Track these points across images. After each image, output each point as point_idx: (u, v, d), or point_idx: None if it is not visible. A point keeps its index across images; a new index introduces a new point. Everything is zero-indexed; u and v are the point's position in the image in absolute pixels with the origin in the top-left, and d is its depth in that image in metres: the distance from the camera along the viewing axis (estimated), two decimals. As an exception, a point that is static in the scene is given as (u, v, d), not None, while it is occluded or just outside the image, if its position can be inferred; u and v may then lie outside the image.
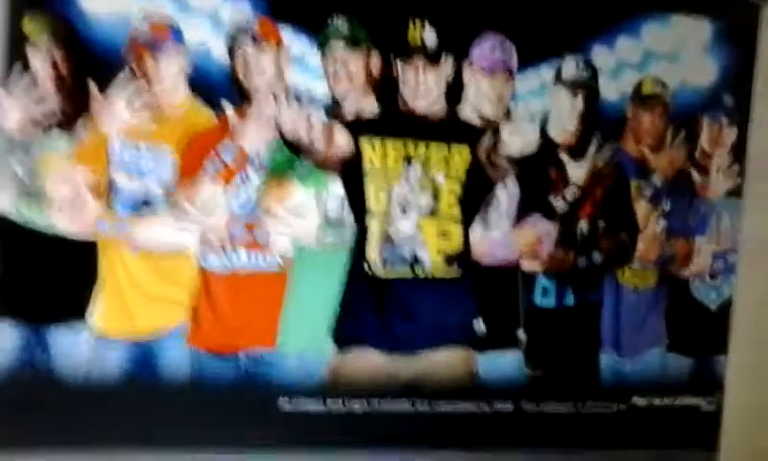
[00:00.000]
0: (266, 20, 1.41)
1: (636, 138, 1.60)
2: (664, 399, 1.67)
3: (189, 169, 1.41)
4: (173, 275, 1.44)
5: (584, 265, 1.60)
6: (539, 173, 1.55)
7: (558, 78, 1.54)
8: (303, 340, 1.49)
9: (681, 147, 1.61)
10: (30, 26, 1.33)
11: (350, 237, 1.48)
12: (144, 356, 1.44)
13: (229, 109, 1.41)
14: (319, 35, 1.44)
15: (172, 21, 1.38)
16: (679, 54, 1.59)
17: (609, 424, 1.64)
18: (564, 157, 1.56)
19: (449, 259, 1.51)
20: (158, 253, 1.42)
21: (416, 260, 1.50)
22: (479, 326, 1.54)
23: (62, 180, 1.36)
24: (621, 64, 1.57)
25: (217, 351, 1.46)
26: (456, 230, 1.51)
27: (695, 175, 1.64)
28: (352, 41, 1.44)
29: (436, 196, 1.49)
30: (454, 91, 1.50)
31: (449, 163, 1.50)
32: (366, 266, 1.49)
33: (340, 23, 1.44)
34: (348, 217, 1.47)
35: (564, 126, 1.56)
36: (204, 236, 1.43)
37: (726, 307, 1.69)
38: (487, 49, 1.50)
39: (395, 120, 1.48)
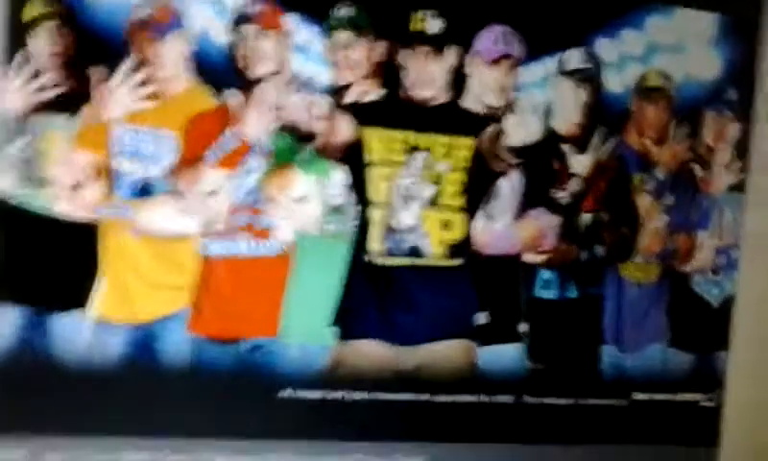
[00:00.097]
0: (269, 6, 1.42)
1: (639, 131, 1.62)
2: (665, 394, 1.68)
3: (191, 155, 1.42)
4: (174, 261, 1.45)
5: (586, 258, 1.61)
6: (541, 165, 1.57)
7: (561, 69, 1.56)
8: (305, 329, 1.50)
9: (684, 141, 1.63)
10: (31, 10, 1.34)
11: (352, 226, 1.50)
12: (144, 343, 1.45)
13: (232, 96, 1.42)
14: (323, 22, 1.45)
15: (174, 6, 1.39)
16: (683, 47, 1.60)
17: (609, 419, 1.66)
18: (567, 149, 1.58)
19: (451, 250, 1.53)
20: (160, 238, 1.43)
21: (417, 251, 1.51)
22: (481, 318, 1.56)
23: (64, 164, 1.37)
24: (625, 57, 1.58)
25: (218, 338, 1.47)
26: (458, 222, 1.53)
27: (698, 169, 1.65)
28: (356, 29, 1.46)
29: (438, 186, 1.51)
30: (458, 82, 1.52)
31: (452, 154, 1.51)
32: (367, 256, 1.51)
33: (344, 11, 1.45)
34: (350, 206, 1.49)
35: (568, 118, 1.57)
36: (205, 222, 1.44)
37: (728, 303, 1.70)
38: (491, 39, 1.51)
39: (398, 109, 1.50)
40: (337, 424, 1.53)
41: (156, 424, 1.46)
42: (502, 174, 1.55)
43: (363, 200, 1.50)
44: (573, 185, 1.59)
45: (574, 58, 1.56)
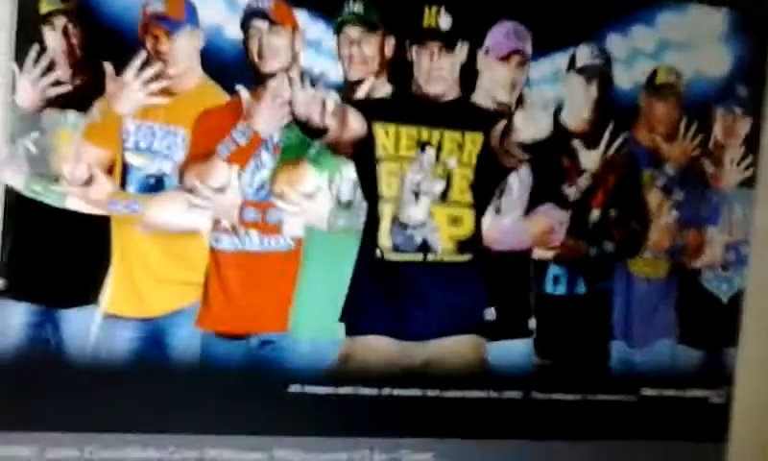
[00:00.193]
0: (281, 2, 1.44)
1: (649, 127, 1.64)
2: (674, 390, 1.71)
3: (202, 150, 1.45)
4: (184, 256, 1.47)
5: (595, 254, 1.64)
6: (551, 161, 1.59)
7: (572, 65, 1.58)
8: (314, 324, 1.52)
9: (694, 137, 1.65)
10: (44, 5, 1.36)
11: (362, 222, 1.52)
12: (154, 338, 1.47)
13: (243, 91, 1.45)
14: (334, 18, 1.47)
15: (186, 1, 1.41)
16: (693, 43, 1.62)
17: (618, 415, 1.68)
18: (576, 145, 1.61)
19: (461, 246, 1.55)
20: (170, 233, 1.45)
21: (427, 246, 1.53)
22: (490, 313, 1.59)
23: (75, 158, 1.39)
24: (635, 53, 1.60)
25: (227, 333, 1.50)
26: (468, 217, 1.55)
27: (708, 165, 1.67)
28: (368, 25, 1.48)
29: (448, 182, 1.53)
30: (468, 77, 1.54)
31: (462, 149, 1.53)
32: (377, 252, 1.53)
33: (356, 6, 1.47)
34: (361, 201, 1.52)
35: (578, 114, 1.60)
36: (215, 217, 1.47)
37: (737, 299, 1.72)
38: (502, 35, 1.54)
39: (408, 105, 1.52)
40: (346, 420, 1.56)
41: (165, 420, 1.48)
42: (512, 170, 1.57)
43: (373, 195, 1.52)
44: (583, 181, 1.61)
45: (584, 54, 1.58)
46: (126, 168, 1.44)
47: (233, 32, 1.44)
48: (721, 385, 1.74)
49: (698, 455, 1.74)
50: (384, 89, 1.52)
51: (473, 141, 1.54)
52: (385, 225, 1.53)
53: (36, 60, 1.37)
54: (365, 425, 1.57)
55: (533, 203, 1.60)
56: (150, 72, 1.41)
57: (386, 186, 1.52)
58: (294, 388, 1.53)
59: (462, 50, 1.53)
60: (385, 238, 1.53)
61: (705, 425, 1.74)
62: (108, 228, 1.44)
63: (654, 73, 1.62)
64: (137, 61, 1.40)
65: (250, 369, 1.51)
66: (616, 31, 1.59)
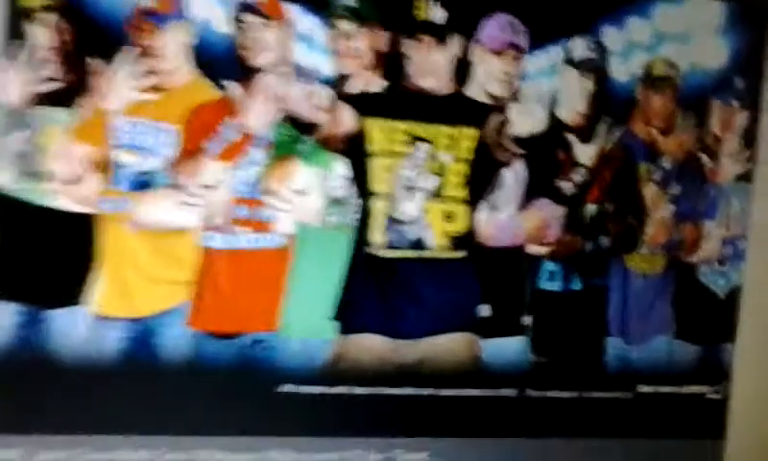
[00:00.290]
0: (272, -4, 1.45)
1: (645, 121, 1.65)
2: (671, 386, 1.72)
3: (191, 147, 1.45)
4: (173, 255, 1.47)
5: (591, 249, 1.65)
6: (546, 155, 1.60)
7: (567, 58, 1.59)
8: (306, 323, 1.53)
9: (690, 130, 1.66)
10: (31, 0, 1.37)
11: (354, 219, 1.53)
12: (143, 338, 1.47)
13: (233, 87, 1.45)
14: (325, 11, 1.48)
15: (176, -5, 1.42)
16: (690, 36, 1.63)
17: (614, 412, 1.69)
18: (572, 138, 1.62)
19: (454, 242, 1.56)
20: (159, 232, 1.46)
21: (420, 243, 1.54)
22: (484, 310, 1.60)
23: (63, 155, 1.40)
24: (631, 45, 1.61)
25: (218, 332, 1.50)
26: (462, 213, 1.56)
27: (705, 159, 1.68)
28: (359, 18, 1.49)
29: (442, 178, 1.54)
30: (462, 71, 1.55)
31: (456, 144, 1.54)
32: (369, 248, 1.54)
33: (347, 0, 1.48)
34: (352, 197, 1.52)
35: (573, 107, 1.61)
36: (205, 215, 1.47)
37: (734, 294, 1.74)
38: (495, 28, 1.54)
39: (401, 99, 1.53)
40: (339, 420, 1.57)
41: (155, 421, 1.49)
42: (506, 164, 1.58)
43: (365, 191, 1.53)
44: (578, 176, 1.62)
45: (579, 47, 1.59)
46: (115, 166, 1.44)
47: (224, 26, 1.45)
48: (718, 381, 1.75)
49: (695, 452, 1.76)
50: (376, 84, 1.53)
51: (467, 136, 1.55)
52: (378, 221, 1.54)
53: (24, 57, 1.37)
54: (358, 425, 1.58)
55: (528, 198, 1.61)
56: (139, 68, 1.41)
57: (379, 182, 1.53)
58: (286, 388, 1.54)
59: (455, 43, 1.54)
60: (378, 235, 1.54)
61: (702, 422, 1.76)
62: (97, 226, 1.45)
63: (650, 66, 1.63)
64: (126, 58, 1.40)
65: (241, 368, 1.52)
66: (612, 23, 1.60)
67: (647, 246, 1.68)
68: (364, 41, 1.50)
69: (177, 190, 1.46)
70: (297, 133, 1.48)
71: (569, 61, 1.59)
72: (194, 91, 1.45)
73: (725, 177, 1.69)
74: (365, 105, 1.52)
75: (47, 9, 1.37)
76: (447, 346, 1.60)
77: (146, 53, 1.42)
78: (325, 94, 1.48)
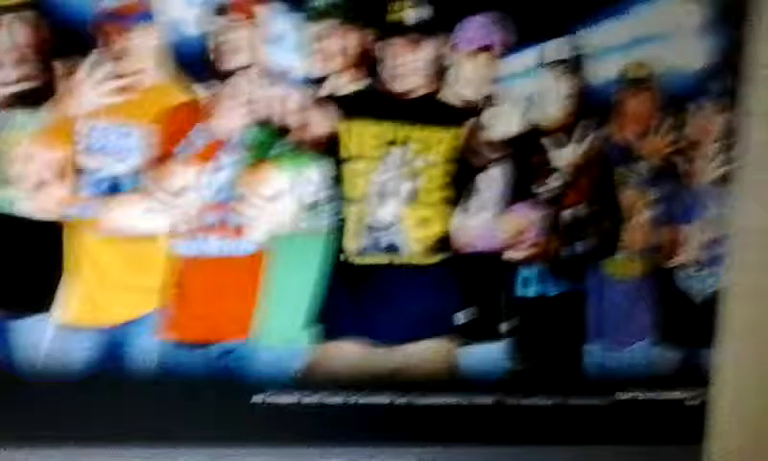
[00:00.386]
0: (244, -5, 1.44)
1: (623, 123, 1.64)
2: (651, 392, 1.71)
3: (161, 151, 1.44)
4: (143, 262, 1.46)
5: (569, 254, 1.64)
6: (523, 159, 1.59)
7: (544, 60, 1.57)
8: (280, 330, 1.52)
9: (669, 133, 1.65)
10: (-7, 0, 1.35)
11: (328, 224, 1.52)
12: (112, 348, 1.46)
13: (203, 90, 1.44)
14: (299, 11, 1.46)
15: (144, -4, 1.40)
16: (668, 37, 1.61)
17: (594, 419, 1.69)
18: (549, 142, 1.61)
19: (431, 247, 1.55)
20: (128, 238, 1.44)
21: (396, 248, 1.54)
22: (461, 316, 1.59)
23: (27, 161, 1.38)
24: (609, 48, 1.59)
25: (189, 341, 1.49)
26: (438, 218, 1.55)
27: (684, 162, 1.67)
28: (333, 19, 1.47)
29: (418, 182, 1.53)
30: (438, 73, 1.54)
31: (432, 148, 1.53)
32: (344, 254, 1.53)
33: (321, 0, 1.46)
34: (327, 202, 1.51)
35: (551, 110, 1.60)
36: (175, 221, 1.46)
37: (714, 299, 1.73)
38: (472, 30, 1.53)
39: (376, 102, 1.52)
40: (314, 429, 1.56)
41: (125, 433, 1.48)
42: (483, 168, 1.57)
43: (339, 196, 1.52)
44: (556, 180, 1.61)
45: (556, 49, 1.58)
46: (80, 171, 1.43)
47: (193, 27, 1.43)
48: (699, 387, 1.74)
49: (676, 458, 1.75)
50: (352, 86, 1.52)
51: (443, 139, 1.54)
52: (353, 226, 1.53)
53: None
54: (334, 434, 1.58)
55: (505, 202, 1.60)
56: (105, 70, 1.40)
57: (353, 187, 1.52)
58: (260, 397, 1.53)
59: (431, 45, 1.52)
60: (352, 241, 1.53)
61: (682, 428, 1.75)
62: (65, 233, 1.43)
63: (628, 68, 1.62)
64: (92, 60, 1.39)
65: (214, 378, 1.51)
66: (589, 25, 1.58)
67: (625, 250, 1.67)
68: (339, 43, 1.49)
69: (146, 195, 1.44)
70: (270, 137, 1.47)
71: (546, 64, 1.58)
72: (164, 94, 1.44)
73: (704, 180, 1.69)
74: (340, 107, 1.51)
75: (10, 9, 1.36)
76: (424, 353, 1.59)
77: (114, 55, 1.40)
78: (299, 97, 1.46)
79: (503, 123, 1.54)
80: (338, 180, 1.52)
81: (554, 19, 1.57)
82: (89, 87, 1.39)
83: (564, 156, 1.62)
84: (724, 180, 1.69)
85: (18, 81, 1.38)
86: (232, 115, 1.45)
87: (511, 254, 1.62)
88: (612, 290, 1.69)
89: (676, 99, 1.65)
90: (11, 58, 1.37)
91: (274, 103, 1.45)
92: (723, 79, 1.65)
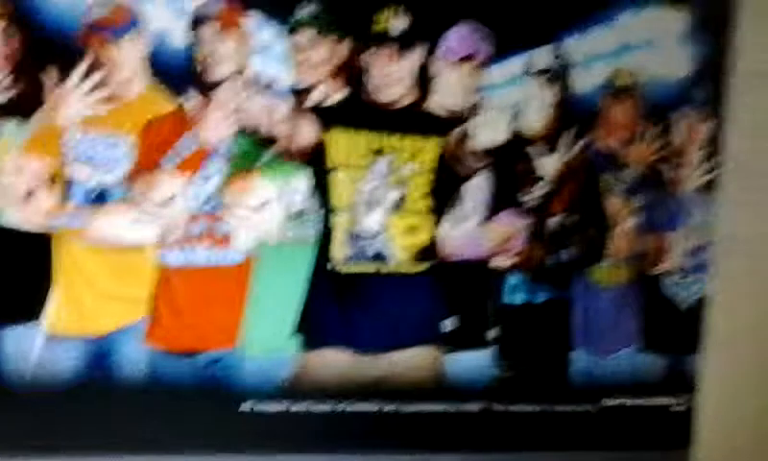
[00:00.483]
0: (230, 7, 1.44)
1: (608, 131, 1.65)
2: (637, 399, 1.72)
3: (147, 160, 1.44)
4: (130, 271, 1.47)
5: (555, 262, 1.65)
6: (509, 167, 1.60)
7: (529, 69, 1.58)
8: (266, 340, 1.53)
9: (654, 141, 1.66)
10: (-23, 10, 1.35)
11: (315, 233, 1.52)
12: (99, 357, 1.47)
13: (190, 99, 1.45)
14: (285, 22, 1.47)
15: (130, 6, 1.40)
16: (653, 46, 1.63)
17: (580, 425, 1.70)
18: (534, 150, 1.62)
19: (417, 256, 1.56)
20: (115, 247, 1.45)
21: (382, 257, 1.54)
22: (448, 324, 1.60)
23: (14, 171, 1.39)
24: (594, 56, 1.61)
25: (176, 350, 1.50)
26: (424, 226, 1.56)
27: (668, 169, 1.68)
28: (319, 29, 1.48)
29: (404, 191, 1.54)
30: (423, 82, 1.55)
31: (418, 157, 1.54)
32: (331, 263, 1.53)
33: (307, 10, 1.47)
34: (313, 211, 1.52)
35: (535, 118, 1.60)
36: (162, 230, 1.47)
37: (699, 306, 1.74)
38: (457, 39, 1.54)
39: (362, 111, 1.52)
40: (302, 437, 1.56)
41: (114, 442, 1.48)
42: (469, 177, 1.58)
43: (326, 205, 1.53)
44: (541, 188, 1.62)
45: (541, 57, 1.59)
46: (68, 181, 1.43)
47: (180, 38, 1.44)
48: (684, 393, 1.75)
49: (662, 464, 1.77)
50: (337, 96, 1.52)
51: (429, 148, 1.55)
52: (339, 235, 1.54)
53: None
54: (321, 442, 1.58)
55: (490, 210, 1.61)
56: (92, 80, 1.40)
57: (339, 196, 1.53)
58: (247, 406, 1.54)
59: (416, 54, 1.53)
60: (339, 249, 1.54)
61: (668, 434, 1.76)
62: (50, 242, 1.44)
63: (612, 76, 1.63)
64: (79, 69, 1.39)
65: (201, 387, 1.52)
66: (574, 33, 1.60)
67: (611, 258, 1.68)
68: (324, 53, 1.50)
69: (132, 205, 1.45)
70: (255, 147, 1.47)
71: (531, 72, 1.59)
72: (150, 104, 1.44)
73: (688, 187, 1.70)
74: (325, 117, 1.52)
75: (-4, 19, 1.36)
76: (411, 361, 1.60)
77: (100, 65, 1.41)
78: (285, 106, 1.47)
79: (488, 132, 1.54)
80: (324, 189, 1.53)
81: (538, 28, 1.58)
82: (77, 98, 1.40)
83: (549, 164, 1.63)
84: (708, 187, 1.70)
85: (5, 90, 1.38)
86: (219, 125, 1.46)
87: (497, 262, 1.63)
88: (598, 297, 1.70)
89: (660, 107, 1.66)
90: (-1, 68, 1.37)
91: (260, 113, 1.45)
92: (706, 87, 1.66)
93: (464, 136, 1.53)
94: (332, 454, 1.59)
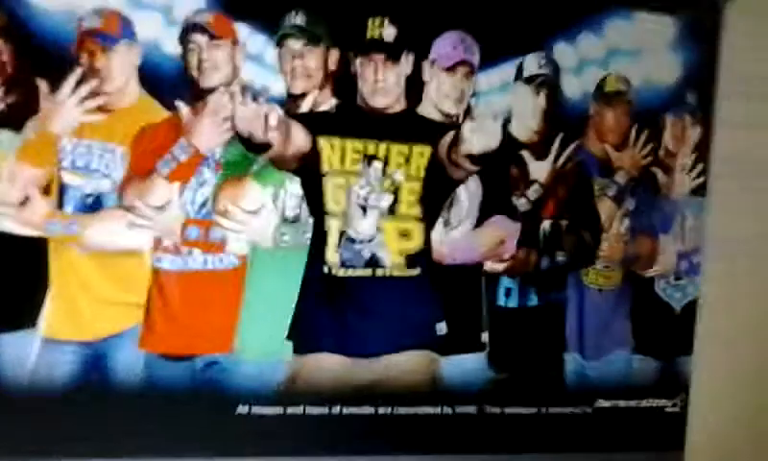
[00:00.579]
0: (221, 15, 1.45)
1: (599, 136, 1.66)
2: (630, 401, 1.73)
3: (141, 167, 1.45)
4: (125, 276, 1.47)
5: (547, 265, 1.66)
6: (501, 172, 1.61)
7: (520, 75, 1.60)
8: (261, 344, 1.53)
9: (644, 145, 1.67)
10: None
11: (308, 238, 1.53)
12: (95, 362, 1.47)
13: (183, 107, 1.45)
14: (276, 30, 1.48)
15: (123, 16, 1.41)
16: (642, 51, 1.64)
17: (574, 427, 1.70)
18: (526, 155, 1.62)
19: (410, 260, 1.56)
20: (110, 253, 1.45)
21: (376, 261, 1.55)
22: (442, 328, 1.60)
23: (10, 179, 1.39)
24: (584, 61, 1.62)
25: (171, 355, 1.50)
26: (417, 231, 1.56)
27: (659, 174, 1.69)
28: (311, 37, 1.49)
29: (396, 196, 1.54)
30: (414, 89, 1.56)
31: (410, 162, 1.55)
32: (324, 268, 1.54)
33: (298, 19, 1.48)
34: (306, 217, 1.52)
35: (527, 124, 1.62)
36: (156, 236, 1.47)
37: (691, 308, 1.75)
38: (448, 46, 1.55)
39: (354, 118, 1.53)
40: (298, 440, 1.57)
41: (110, 446, 1.48)
42: (461, 182, 1.59)
43: (319, 211, 1.53)
44: (533, 192, 1.63)
45: (532, 63, 1.60)
46: (63, 188, 1.44)
47: (172, 46, 1.44)
48: (676, 394, 1.76)
49: (655, 465, 1.77)
50: (328, 103, 1.54)
51: (421, 154, 1.56)
52: (332, 240, 1.54)
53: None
54: (316, 445, 1.59)
55: (483, 215, 1.61)
56: (86, 89, 1.41)
57: (332, 201, 1.53)
58: (242, 409, 1.54)
59: (407, 61, 1.54)
60: (332, 254, 1.54)
61: (661, 435, 1.77)
62: (46, 249, 1.44)
63: (603, 81, 1.64)
64: (73, 78, 1.40)
65: (196, 391, 1.52)
66: (564, 39, 1.61)
67: (603, 261, 1.69)
68: (315, 60, 1.51)
69: (126, 211, 1.45)
70: (248, 153, 1.47)
71: (522, 78, 1.60)
72: (142, 112, 1.45)
73: (679, 191, 1.70)
74: (317, 124, 1.52)
75: (-8, 30, 1.37)
76: (405, 364, 1.60)
77: (93, 74, 1.41)
78: (277, 113, 1.46)
79: (481, 137, 1.53)
80: (317, 194, 1.53)
81: (528, 35, 1.58)
82: (71, 106, 1.40)
83: (542, 168, 1.64)
84: (699, 191, 1.71)
85: (1, 99, 1.39)
86: (211, 132, 1.47)
87: (490, 266, 1.64)
88: (591, 300, 1.71)
89: (651, 112, 1.67)
90: (-6, 77, 1.38)
91: (252, 120, 1.44)
92: (696, 92, 1.66)
93: (457, 141, 1.52)
94: (328, 457, 1.60)
